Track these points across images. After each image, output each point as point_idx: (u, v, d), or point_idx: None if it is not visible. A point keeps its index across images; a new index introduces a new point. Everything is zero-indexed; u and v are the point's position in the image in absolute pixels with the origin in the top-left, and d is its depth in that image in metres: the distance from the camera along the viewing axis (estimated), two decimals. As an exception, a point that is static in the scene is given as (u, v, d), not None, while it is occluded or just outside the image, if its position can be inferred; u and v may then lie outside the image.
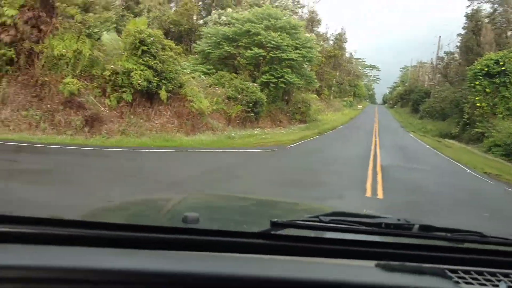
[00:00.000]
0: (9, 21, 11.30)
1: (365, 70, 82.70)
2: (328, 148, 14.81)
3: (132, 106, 13.06)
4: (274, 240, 1.11)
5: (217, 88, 18.81)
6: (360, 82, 68.27)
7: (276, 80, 22.69)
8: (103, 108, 12.28)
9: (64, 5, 12.16)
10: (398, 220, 1.27)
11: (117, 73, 12.76)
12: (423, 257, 1.10)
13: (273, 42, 22.20)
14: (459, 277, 1.00)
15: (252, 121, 20.13)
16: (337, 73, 49.02)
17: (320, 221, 1.19)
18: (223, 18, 26.08)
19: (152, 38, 13.55)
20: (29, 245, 0.91)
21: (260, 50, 22.24)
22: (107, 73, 12.59)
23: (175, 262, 0.90)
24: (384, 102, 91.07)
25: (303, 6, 41.23)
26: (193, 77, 17.73)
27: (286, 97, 25.40)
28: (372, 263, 1.00)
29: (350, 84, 57.74)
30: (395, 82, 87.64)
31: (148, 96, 13.54)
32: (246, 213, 1.78)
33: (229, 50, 22.95)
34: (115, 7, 21.08)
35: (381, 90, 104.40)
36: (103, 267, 0.82)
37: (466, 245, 1.23)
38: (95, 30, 13.05)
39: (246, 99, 19.40)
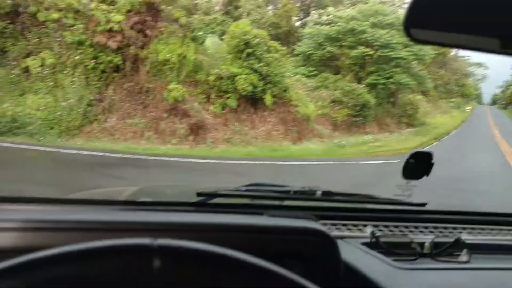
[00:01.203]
0: (116, 27, 10.94)
1: (470, 68, 75.94)
2: (462, 159, 12.53)
3: (237, 112, 12.17)
4: (201, 207, 1.29)
5: (321, 91, 17.45)
6: (468, 82, 62.65)
7: (385, 81, 20.74)
8: (207, 115, 11.51)
9: (170, 7, 11.58)
10: (303, 187, 1.43)
11: (222, 78, 11.95)
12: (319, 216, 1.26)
13: (381, 40, 20.31)
14: (332, 224, 1.21)
15: (359, 126, 18.47)
16: (443, 72, 45.15)
17: (238, 190, 1.40)
18: (324, 17, 24.69)
19: (257, 40, 12.58)
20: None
21: (367, 49, 20.47)
22: (211, 78, 11.82)
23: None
24: (494, 102, 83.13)
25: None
26: (297, 80, 16.56)
27: (392, 99, 23.31)
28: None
29: (458, 83, 53.05)
30: (504, 81, 79.41)
31: (253, 101, 12.58)
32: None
33: (332, 51, 21.49)
34: (215, 12, 20.63)
35: (488, 89, 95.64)
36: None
37: (354, 205, 1.51)
38: (199, 33, 12.35)
39: (353, 102, 17.82)
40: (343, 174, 8.93)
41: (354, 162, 10.48)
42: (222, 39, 13.94)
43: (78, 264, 0.53)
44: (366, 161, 10.56)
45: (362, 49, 20.34)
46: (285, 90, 13.48)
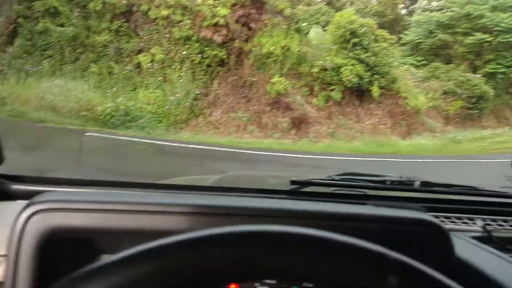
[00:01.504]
0: (221, 21, 10.99)
1: None
2: None
3: (341, 105, 11.61)
4: (296, 196, 1.29)
5: (432, 82, 16.13)
6: None
7: (505, 70, 18.64)
8: (310, 109, 11.13)
9: (275, -2, 11.37)
10: (401, 177, 1.41)
11: (326, 69, 11.46)
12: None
13: (502, 25, 18.25)
14: (434, 216, 0.99)
15: (474, 120, 16.78)
16: None
17: (333, 180, 1.39)
18: (434, 3, 22.90)
19: (364, 29, 11.88)
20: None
21: (485, 36, 18.53)
22: (315, 70, 11.40)
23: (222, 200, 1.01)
24: None
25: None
26: (405, 70, 15.46)
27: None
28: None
29: None
30: None
31: (358, 93, 11.91)
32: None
33: (444, 38, 19.80)
34: (316, 3, 20.07)
35: None
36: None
37: (456, 197, 1.41)
38: (304, 24, 11.97)
39: (467, 93, 16.23)
40: (464, 175, 8.00)
41: (474, 159, 9.42)
42: (324, 30, 13.44)
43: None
44: (488, 159, 9.41)
45: (479, 35, 18.46)
46: (393, 81, 12.60)
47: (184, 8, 11.28)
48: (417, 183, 1.36)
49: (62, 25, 11.57)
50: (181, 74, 10.86)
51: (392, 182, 1.38)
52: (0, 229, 0.91)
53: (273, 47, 11.18)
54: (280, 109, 10.76)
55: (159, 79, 10.83)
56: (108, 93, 10.20)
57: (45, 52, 11.44)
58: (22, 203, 0.90)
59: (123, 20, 11.39)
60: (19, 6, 12.28)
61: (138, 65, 10.97)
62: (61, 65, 11.16)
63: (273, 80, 10.89)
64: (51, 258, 0.83)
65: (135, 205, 0.85)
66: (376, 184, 1.38)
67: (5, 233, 0.85)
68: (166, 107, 10.19)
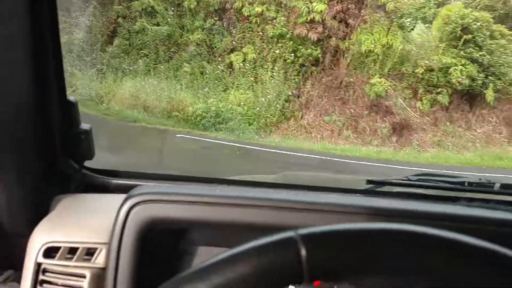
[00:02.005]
0: (317, 18, 10.26)
1: None
2: None
3: (448, 110, 10.33)
4: (372, 195, 1.26)
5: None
6: None
7: None
8: (413, 113, 10.02)
9: (377, -9, 10.39)
10: (480, 179, 1.36)
11: (432, 70, 10.26)
12: None
13: None
14: None
15: None
16: None
17: (409, 180, 1.35)
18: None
19: (478, 24, 10.47)
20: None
21: None
22: (419, 70, 10.24)
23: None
24: None
25: None
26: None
27: None
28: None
29: None
30: None
31: (469, 97, 10.52)
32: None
33: None
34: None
35: None
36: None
37: None
38: (408, 20, 10.84)
39: None
40: None
41: None
42: (428, 26, 12.13)
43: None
44: None
45: None
46: (511, 84, 11.00)
47: (279, 4, 10.71)
48: (497, 185, 1.28)
49: (157, 24, 11.57)
50: (273, 74, 10.31)
51: (471, 183, 1.33)
52: (99, 219, 1.00)
53: (373, 45, 10.22)
54: (379, 113, 9.80)
55: (251, 79, 10.38)
56: (200, 93, 9.96)
57: (141, 51, 11.52)
58: (115, 196, 1.08)
59: (216, 18, 11.11)
60: (119, 6, 12.53)
61: (230, 65, 10.62)
62: (155, 64, 11.15)
63: (372, 81, 9.96)
64: (149, 248, 0.89)
65: (229, 198, 0.88)
66: (454, 186, 1.32)
67: (103, 223, 0.96)
68: (257, 109, 9.71)
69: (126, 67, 11.31)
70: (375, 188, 1.31)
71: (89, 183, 1.26)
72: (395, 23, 10.57)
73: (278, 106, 9.85)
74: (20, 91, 1.03)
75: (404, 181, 1.36)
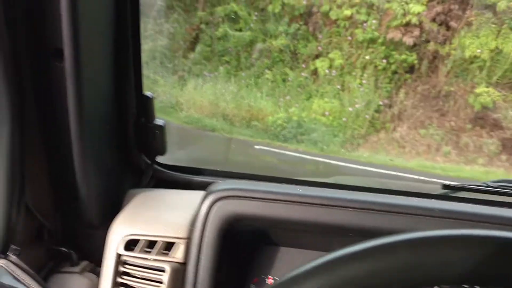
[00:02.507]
0: (414, 20, 9.20)
1: None
2: None
3: None
4: (448, 200, 1.17)
5: None
6: None
7: None
8: (528, 128, 8.58)
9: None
10: None
11: (552, 78, 8.76)
12: None
13: None
14: None
15: None
16: None
17: (488, 186, 1.26)
18: None
19: None
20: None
21: None
22: (536, 78, 8.79)
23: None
24: None
25: None
26: None
27: None
28: None
29: None
30: None
31: None
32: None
33: None
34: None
35: None
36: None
37: None
38: (522, 21, 9.39)
39: None
40: None
41: None
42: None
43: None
44: None
45: None
46: None
47: (370, 6, 9.79)
48: None
49: (240, 30, 11.15)
50: (362, 82, 9.39)
51: None
52: (175, 214, 1.03)
53: (479, 50, 8.94)
54: (485, 127, 8.49)
55: (337, 87, 9.54)
56: (281, 102, 9.31)
57: (222, 58, 11.16)
58: (188, 192, 1.14)
59: (301, 22, 10.43)
60: (203, 12, 12.32)
61: (315, 72, 9.87)
62: (236, 71, 10.71)
63: (477, 90, 8.69)
64: (228, 244, 0.92)
65: (312, 198, 0.87)
66: None
67: (180, 218, 0.99)
68: (343, 119, 8.85)
69: (207, 74, 11.00)
70: (451, 193, 1.24)
71: (159, 178, 1.26)
72: (506, 24, 9.19)
73: (367, 116, 8.91)
74: (100, 84, 1.02)
75: (483, 187, 1.26)
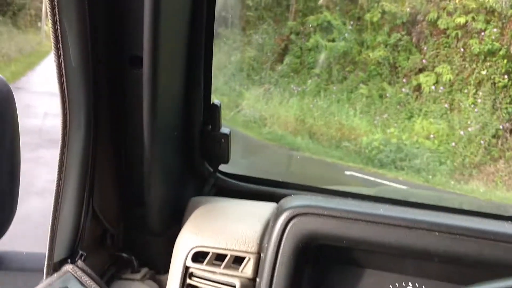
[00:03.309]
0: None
1: None
2: None
3: None
4: None
5: None
6: None
7: None
8: None
9: None
10: None
11: None
12: None
13: None
14: None
15: None
16: None
17: None
18: None
19: None
20: None
21: None
22: None
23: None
24: None
25: None
26: None
27: None
28: None
29: None
30: None
31: None
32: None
33: None
34: None
35: None
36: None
37: None
38: None
39: None
40: None
41: None
42: None
43: None
44: None
45: None
46: None
47: (491, 12, 8.26)
48: None
49: (333, 40, 10.13)
50: (476, 101, 7.89)
51: None
52: (243, 227, 0.96)
53: None
54: None
55: (444, 106, 8.12)
56: (377, 120, 8.10)
57: (312, 70, 10.20)
58: (253, 203, 1.08)
59: (403, 32, 9.16)
60: (293, 22, 11.49)
61: (417, 88, 8.53)
62: (327, 85, 9.68)
63: None
64: (305, 262, 0.87)
65: (396, 219, 0.81)
66: None
67: (249, 231, 0.93)
68: (452, 144, 7.42)
69: (294, 88, 10.11)
70: None
71: (221, 186, 1.23)
72: None
73: (482, 142, 7.40)
74: (173, 92, 1.02)
75: None
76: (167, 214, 1.10)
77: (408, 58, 8.91)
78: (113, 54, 0.91)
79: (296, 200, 0.91)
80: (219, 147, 1.16)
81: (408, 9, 9.15)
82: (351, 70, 9.59)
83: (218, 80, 13.52)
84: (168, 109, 1.01)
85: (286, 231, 0.85)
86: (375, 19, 9.47)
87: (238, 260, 0.94)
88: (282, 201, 0.93)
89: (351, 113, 8.34)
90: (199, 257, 0.96)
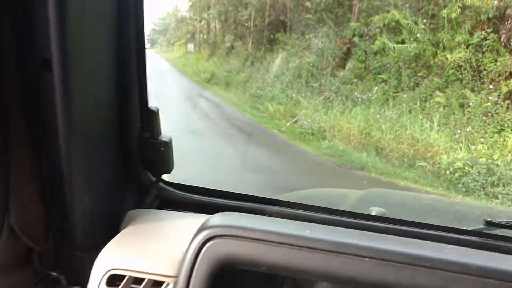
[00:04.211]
0: None
1: None
2: None
3: None
4: (486, 238, 1.02)
5: None
6: None
7: None
8: None
9: None
10: None
11: None
12: None
13: None
14: None
15: None
16: None
17: None
18: None
19: None
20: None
21: None
22: None
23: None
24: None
25: None
26: None
27: None
28: None
29: None
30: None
31: None
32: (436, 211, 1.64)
33: None
34: None
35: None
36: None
37: None
38: None
39: None
40: None
41: None
42: None
43: None
44: None
45: None
46: None
47: None
48: None
49: (402, 42, 8.85)
50: None
51: None
52: (169, 246, 0.89)
53: None
54: None
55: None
56: (459, 135, 6.73)
57: (379, 76, 8.97)
58: (191, 216, 1.02)
59: (489, 30, 7.68)
60: (356, 23, 10.29)
61: (508, 95, 7.04)
62: (396, 92, 8.41)
63: None
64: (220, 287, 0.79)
65: (322, 243, 0.76)
66: None
67: (174, 251, 0.85)
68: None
69: (358, 96, 8.92)
70: (489, 230, 1.03)
71: (165, 197, 1.16)
72: None
73: None
74: (96, 96, 0.95)
75: None
76: (99, 228, 0.99)
77: (496, 60, 7.41)
78: (25, 59, 0.85)
79: (217, 219, 0.82)
80: (159, 155, 1.07)
81: (495, 2, 7.67)
82: (424, 75, 8.23)
83: (275, 88, 12.60)
84: (90, 115, 0.91)
85: (200, 254, 0.77)
86: (453, 15, 8.07)
87: (158, 284, 0.86)
88: (206, 220, 0.83)
89: (426, 125, 7.03)
90: (116, 280, 0.87)
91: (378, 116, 7.77)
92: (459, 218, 1.51)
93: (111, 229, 1.00)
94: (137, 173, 1.09)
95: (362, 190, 1.83)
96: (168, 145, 1.09)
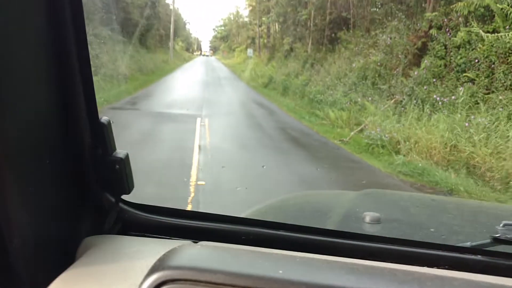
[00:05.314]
0: None
1: None
2: None
3: None
4: (493, 257, 0.85)
5: None
6: None
7: None
8: None
9: None
10: None
11: None
12: None
13: None
14: None
15: None
16: None
17: None
18: None
19: None
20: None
21: None
22: None
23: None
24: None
25: None
26: None
27: None
28: None
29: None
30: None
31: None
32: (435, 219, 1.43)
33: None
34: None
35: None
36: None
37: None
38: None
39: None
40: None
41: None
42: None
43: None
44: None
45: None
46: None
47: None
48: None
49: (493, 31, 7.10)
50: None
51: None
52: (129, 283, 0.75)
53: None
54: None
55: None
56: None
57: (464, 74, 7.29)
58: (154, 242, 0.89)
59: None
60: (432, 14, 8.61)
61: None
62: (488, 93, 6.71)
63: None
64: None
65: (297, 285, 0.61)
66: None
67: (134, 282, 0.71)
68: None
69: (438, 99, 7.29)
70: (492, 246, 0.88)
71: (127, 220, 1.00)
72: None
73: None
74: (41, 109, 0.82)
75: None
76: (50, 260, 0.82)
77: None
78: None
79: (175, 257, 0.67)
80: (115, 174, 0.92)
81: None
82: (526, 71, 6.47)
83: (336, 92, 11.16)
84: (30, 132, 0.77)
85: None
86: None
87: None
88: (163, 255, 0.68)
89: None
90: None
91: (467, 124, 6.14)
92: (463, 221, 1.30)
93: (63, 261, 0.82)
94: (93, 194, 0.94)
95: (356, 192, 1.64)
96: (123, 162, 0.92)
